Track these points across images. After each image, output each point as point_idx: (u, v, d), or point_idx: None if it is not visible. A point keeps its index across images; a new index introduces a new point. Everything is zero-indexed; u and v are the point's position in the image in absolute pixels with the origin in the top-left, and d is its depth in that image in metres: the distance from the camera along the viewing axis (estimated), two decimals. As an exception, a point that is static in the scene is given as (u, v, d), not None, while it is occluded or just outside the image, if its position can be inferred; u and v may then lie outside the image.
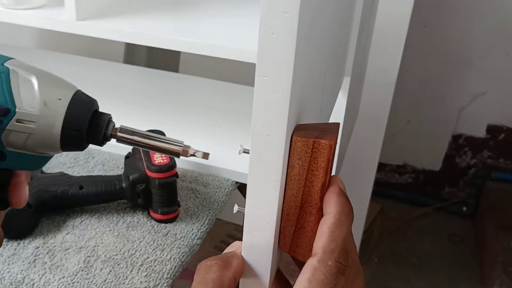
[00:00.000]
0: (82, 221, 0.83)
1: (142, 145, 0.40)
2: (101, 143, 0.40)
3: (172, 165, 0.83)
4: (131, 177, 0.82)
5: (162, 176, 0.82)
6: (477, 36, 1.90)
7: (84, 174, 0.92)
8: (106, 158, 0.98)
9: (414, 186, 2.21)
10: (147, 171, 0.82)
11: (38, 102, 0.36)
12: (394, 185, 2.22)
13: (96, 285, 0.72)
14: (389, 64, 1.53)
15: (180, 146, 0.40)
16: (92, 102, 0.39)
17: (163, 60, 1.69)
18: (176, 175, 0.84)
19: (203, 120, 1.15)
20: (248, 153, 0.36)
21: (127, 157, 0.87)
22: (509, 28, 1.86)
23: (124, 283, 0.72)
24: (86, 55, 1.48)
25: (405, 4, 1.45)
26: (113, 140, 0.41)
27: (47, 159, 0.40)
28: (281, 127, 0.34)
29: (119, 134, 0.40)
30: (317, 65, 0.45)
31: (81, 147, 0.40)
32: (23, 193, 0.41)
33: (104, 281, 0.72)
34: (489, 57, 1.92)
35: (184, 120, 1.14)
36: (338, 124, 0.36)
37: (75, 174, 0.92)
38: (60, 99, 0.36)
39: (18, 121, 0.35)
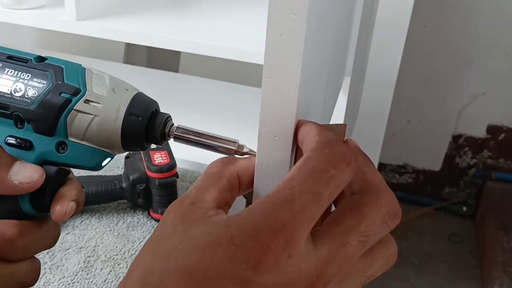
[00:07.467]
0: (82, 221, 0.83)
1: (198, 143, 0.41)
2: (160, 141, 0.41)
3: (172, 165, 0.82)
4: (131, 177, 0.82)
5: (162, 176, 0.81)
6: (477, 36, 1.90)
7: (84, 174, 0.92)
8: (106, 158, 0.97)
9: (414, 186, 2.21)
10: (147, 171, 0.82)
11: (107, 88, 0.39)
12: (394, 185, 2.22)
13: (96, 285, 0.71)
14: (389, 64, 1.53)
15: (235, 144, 0.40)
16: (155, 102, 0.41)
17: (163, 60, 1.68)
18: (176, 175, 0.83)
19: (203, 120, 1.15)
20: (254, 154, 0.36)
21: (127, 157, 0.87)
22: (509, 28, 1.86)
23: (125, 284, 0.72)
24: (86, 55, 1.47)
25: (405, 4, 1.45)
26: None
27: (105, 156, 0.40)
28: (289, 128, 0.33)
29: (176, 133, 0.41)
30: (322, 65, 0.45)
31: (140, 142, 0.40)
32: (65, 206, 0.40)
33: (104, 281, 0.72)
34: (489, 57, 1.92)
35: (184, 120, 1.13)
36: (345, 125, 0.36)
37: (75, 174, 0.91)
38: (127, 90, 0.40)
39: (86, 101, 0.38)
